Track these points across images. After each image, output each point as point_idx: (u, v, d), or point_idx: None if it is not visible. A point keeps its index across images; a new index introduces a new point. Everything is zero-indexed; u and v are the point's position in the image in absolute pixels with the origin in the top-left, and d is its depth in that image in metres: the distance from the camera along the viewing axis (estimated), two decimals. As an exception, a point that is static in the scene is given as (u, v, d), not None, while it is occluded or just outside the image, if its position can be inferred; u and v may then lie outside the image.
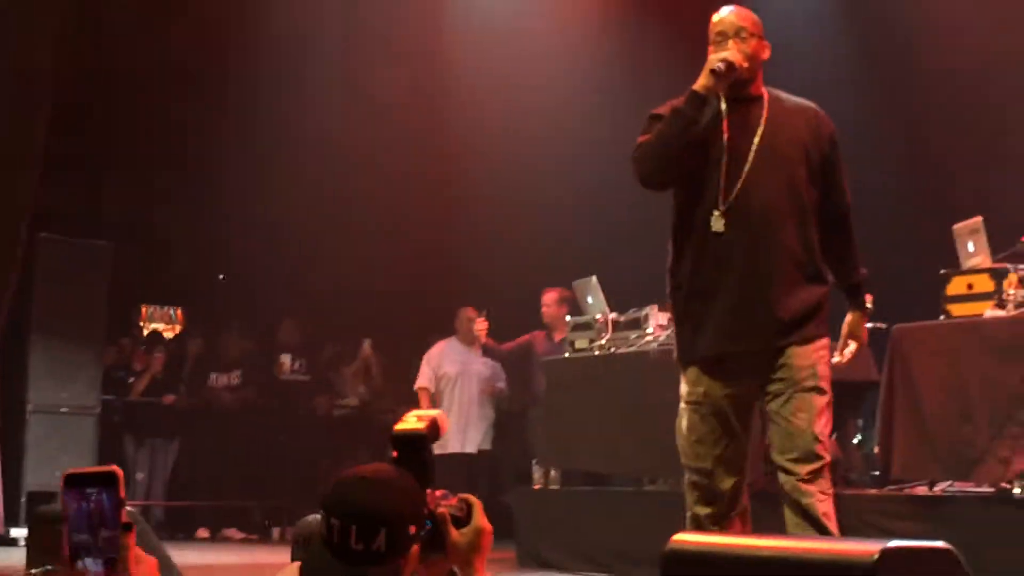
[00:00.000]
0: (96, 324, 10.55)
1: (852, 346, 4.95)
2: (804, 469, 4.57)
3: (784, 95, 4.84)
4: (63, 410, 10.05)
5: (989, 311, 6.71)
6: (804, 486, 4.55)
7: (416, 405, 10.60)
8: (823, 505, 4.52)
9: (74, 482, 2.00)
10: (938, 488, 6.69)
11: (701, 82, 4.55)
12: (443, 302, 11.32)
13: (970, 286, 6.84)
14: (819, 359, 4.64)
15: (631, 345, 8.21)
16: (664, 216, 10.76)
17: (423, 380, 10.50)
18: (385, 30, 12.39)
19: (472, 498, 2.79)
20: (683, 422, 4.75)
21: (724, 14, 4.72)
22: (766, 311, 4.63)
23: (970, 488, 6.65)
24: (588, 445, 8.39)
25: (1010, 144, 9.83)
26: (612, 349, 8.33)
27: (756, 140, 4.67)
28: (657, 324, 8.13)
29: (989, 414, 6.49)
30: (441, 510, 2.73)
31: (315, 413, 11.95)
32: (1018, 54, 9.73)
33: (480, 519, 2.74)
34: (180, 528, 11.12)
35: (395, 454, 2.80)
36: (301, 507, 8.90)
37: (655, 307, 8.17)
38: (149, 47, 11.67)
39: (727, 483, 4.69)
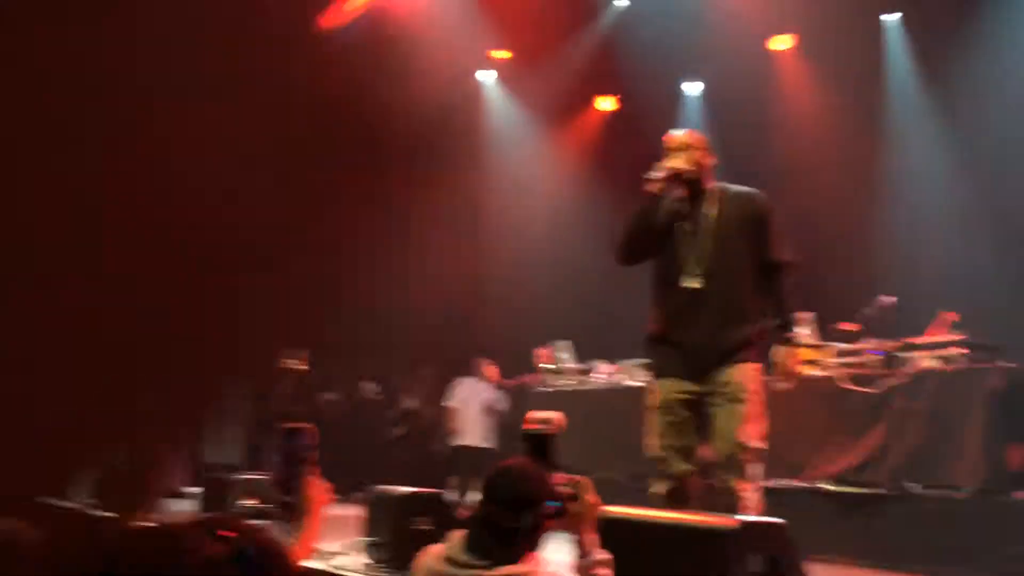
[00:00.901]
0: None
1: (784, 377, 4.24)
2: (731, 468, 4.05)
3: (731, 187, 4.37)
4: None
5: (814, 372, 6.79)
6: (730, 480, 4.04)
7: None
8: (745, 497, 3.99)
9: (288, 433, 2.15)
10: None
11: (649, 185, 4.23)
12: (463, 346, 11.47)
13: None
14: (748, 378, 4.12)
15: (583, 384, 8.41)
16: (608, 300, 11.05)
17: (451, 401, 10.87)
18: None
19: (583, 479, 2.72)
20: (650, 423, 4.28)
21: (676, 134, 4.36)
22: (709, 344, 4.15)
23: (795, 484, 6.61)
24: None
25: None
26: (574, 387, 8.51)
27: (707, 225, 4.24)
28: (601, 371, 8.31)
29: (808, 436, 6.59)
30: (562, 490, 2.67)
31: (385, 418, 12.09)
32: None
33: (590, 495, 2.69)
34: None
35: (525, 445, 2.81)
36: (371, 479, 9.03)
37: (602, 361, 8.38)
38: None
39: (679, 467, 4.16)
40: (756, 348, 4.22)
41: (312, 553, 2.29)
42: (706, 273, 4.20)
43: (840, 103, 10.37)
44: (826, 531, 6.19)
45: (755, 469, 4.07)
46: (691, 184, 4.29)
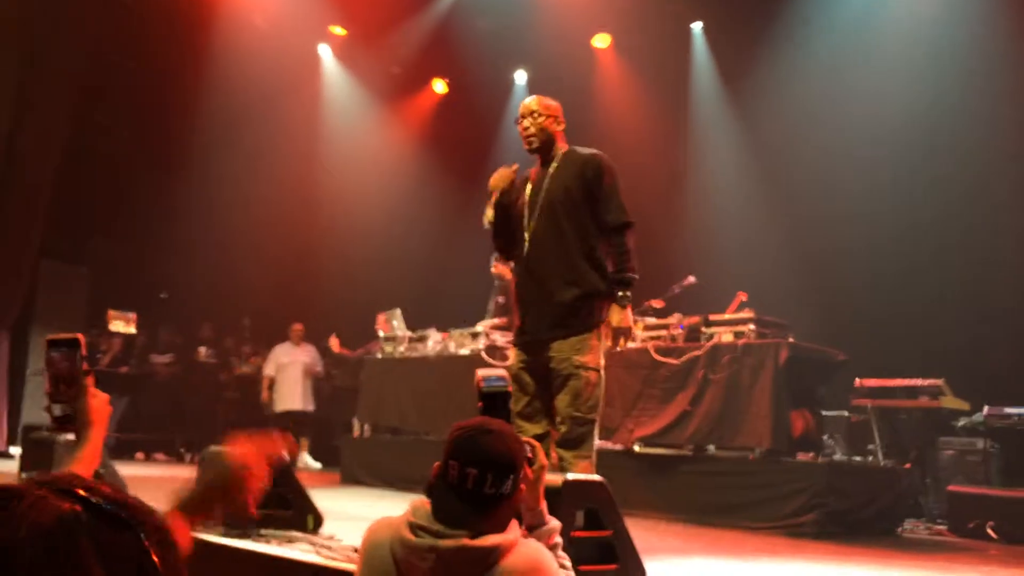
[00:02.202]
0: (77, 320, 10.11)
1: (620, 337, 3.92)
2: (561, 437, 3.87)
3: (576, 150, 4.11)
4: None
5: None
6: (560, 450, 3.85)
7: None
8: (574, 466, 3.77)
9: (52, 344, 1.78)
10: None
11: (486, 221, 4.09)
12: (302, 316, 11.19)
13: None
14: (577, 350, 3.86)
15: (418, 352, 8.28)
16: (438, 270, 10.97)
17: (268, 368, 10.73)
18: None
19: (534, 441, 2.32)
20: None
21: (527, 100, 4.14)
22: (538, 312, 3.97)
23: (609, 446, 6.68)
24: (389, 410, 8.38)
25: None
26: (406, 354, 8.36)
27: (543, 190, 4.03)
28: (434, 340, 8.21)
29: (621, 402, 6.69)
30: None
31: (217, 381, 11.64)
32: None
33: (543, 458, 2.31)
34: (125, 452, 10.68)
35: (480, 406, 2.37)
36: (204, 440, 8.70)
37: (433, 328, 8.26)
38: (129, 150, 11.22)
39: (528, 431, 3.88)
40: (589, 313, 3.92)
41: (95, 467, 1.74)
42: (533, 240, 3.98)
43: (651, 101, 10.62)
44: (637, 489, 6.35)
45: (587, 439, 3.90)
46: (540, 150, 4.10)
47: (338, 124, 12.27)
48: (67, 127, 9.27)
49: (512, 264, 4.20)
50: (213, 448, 4.64)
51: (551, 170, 4.04)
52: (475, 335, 7.70)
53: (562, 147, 4.12)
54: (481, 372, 2.44)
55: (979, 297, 7.85)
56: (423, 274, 11.29)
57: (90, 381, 1.75)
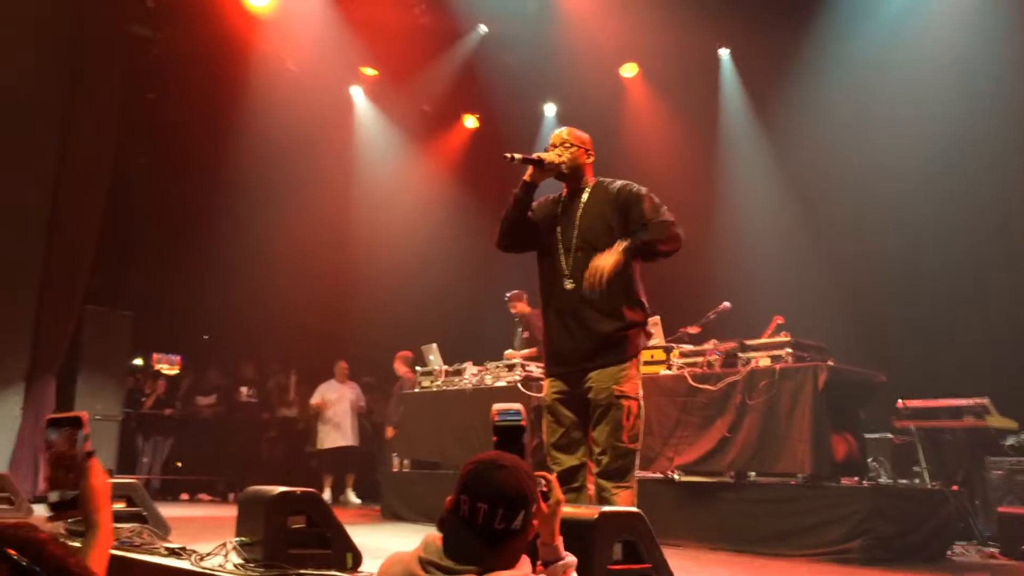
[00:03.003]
0: (121, 364, 10.22)
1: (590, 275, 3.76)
2: (602, 468, 3.77)
3: (608, 181, 4.04)
4: (97, 417, 9.64)
5: (663, 371, 6.89)
6: (601, 481, 3.78)
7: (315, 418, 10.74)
8: (615, 496, 3.69)
9: (52, 424, 1.68)
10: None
11: (527, 175, 3.94)
12: (341, 356, 11.22)
13: (652, 356, 7.00)
14: (617, 380, 3.78)
15: (454, 386, 8.24)
16: (472, 305, 10.95)
17: (315, 400, 10.84)
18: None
19: (549, 475, 2.27)
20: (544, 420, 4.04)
21: (558, 131, 4.10)
22: (576, 343, 3.86)
23: (648, 475, 6.58)
24: (427, 444, 8.36)
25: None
26: (443, 388, 8.34)
27: (577, 221, 3.95)
28: (471, 373, 8.17)
29: (660, 430, 6.59)
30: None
31: (259, 421, 11.69)
32: None
33: (558, 492, 2.25)
34: (169, 494, 10.74)
35: (495, 440, 2.33)
36: (246, 480, 8.71)
37: (470, 362, 8.23)
38: (168, 196, 11.41)
39: (563, 463, 3.85)
40: (627, 343, 3.86)
41: (109, 547, 1.66)
42: (569, 272, 3.90)
43: (680, 129, 10.58)
44: (678, 518, 6.23)
45: (629, 470, 3.80)
46: (566, 179, 4.04)
47: (371, 164, 12.38)
48: (109, 175, 9.44)
49: (541, 291, 4.11)
50: (253, 488, 4.64)
51: (582, 202, 3.99)
52: (511, 367, 7.68)
53: (591, 180, 4.08)
54: (497, 406, 2.40)
55: (1021, 313, 7.66)
56: (459, 310, 11.29)
57: (93, 462, 1.65)
